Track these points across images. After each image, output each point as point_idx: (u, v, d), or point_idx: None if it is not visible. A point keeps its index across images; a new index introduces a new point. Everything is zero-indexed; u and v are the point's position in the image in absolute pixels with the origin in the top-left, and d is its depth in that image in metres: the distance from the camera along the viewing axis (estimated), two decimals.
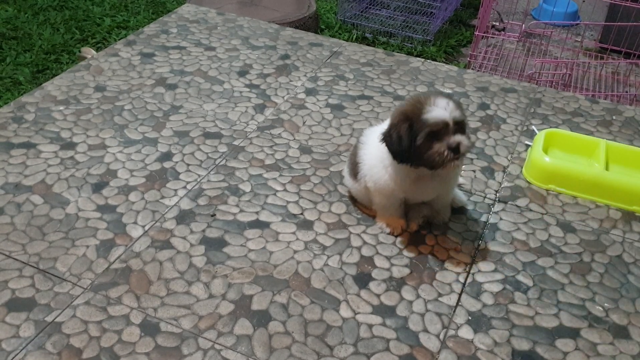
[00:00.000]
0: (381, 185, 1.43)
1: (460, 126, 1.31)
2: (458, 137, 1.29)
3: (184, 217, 1.50)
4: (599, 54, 3.54)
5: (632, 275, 1.45)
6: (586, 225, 1.59)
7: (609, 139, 1.87)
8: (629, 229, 1.59)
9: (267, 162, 1.71)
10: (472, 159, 1.79)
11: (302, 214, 1.54)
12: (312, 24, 3.41)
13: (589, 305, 1.36)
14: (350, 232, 1.50)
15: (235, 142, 1.77)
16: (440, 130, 1.29)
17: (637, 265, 1.48)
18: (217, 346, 1.20)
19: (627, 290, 1.40)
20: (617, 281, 1.43)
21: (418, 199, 1.50)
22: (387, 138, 1.33)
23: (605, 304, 1.36)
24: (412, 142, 1.29)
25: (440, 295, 1.36)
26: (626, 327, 1.31)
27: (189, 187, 1.60)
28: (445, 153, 1.29)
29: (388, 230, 1.51)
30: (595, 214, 1.63)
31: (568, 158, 1.78)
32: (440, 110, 1.28)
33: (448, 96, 1.33)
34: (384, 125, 1.42)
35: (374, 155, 1.43)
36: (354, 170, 1.50)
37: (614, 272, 1.45)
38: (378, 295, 1.35)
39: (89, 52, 3.15)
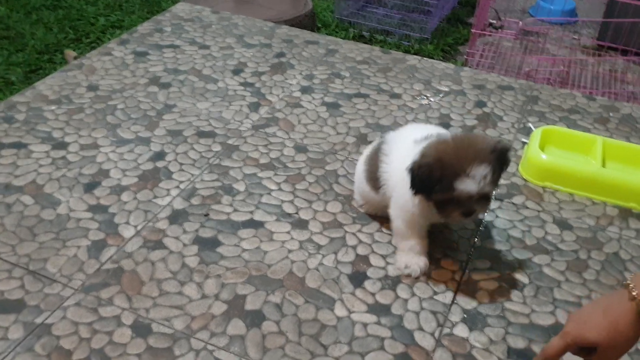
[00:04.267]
0: (405, 211, 1.34)
1: (485, 196, 1.23)
2: (475, 207, 1.23)
3: (176, 217, 1.49)
4: (597, 52, 3.53)
5: (628, 272, 1.43)
6: (583, 223, 1.57)
7: (606, 136, 1.86)
8: (625, 225, 1.57)
9: (262, 161, 1.69)
10: None
11: (297, 213, 1.53)
12: (308, 22, 3.39)
13: (586, 303, 1.35)
14: (346, 231, 1.49)
15: (230, 141, 1.76)
16: (463, 200, 1.22)
17: (633, 262, 1.46)
18: (209, 347, 1.19)
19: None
20: (613, 278, 1.41)
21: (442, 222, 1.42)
22: (414, 170, 1.23)
23: None
24: (432, 188, 1.22)
25: (435, 293, 1.34)
26: None
27: (182, 186, 1.58)
28: (455, 215, 1.25)
29: (407, 272, 1.38)
30: (592, 211, 1.62)
31: (565, 155, 1.77)
32: (472, 184, 1.18)
33: (495, 155, 1.22)
34: (410, 134, 1.34)
35: (400, 176, 1.29)
36: (375, 184, 1.40)
37: (611, 269, 1.44)
38: (373, 294, 1.33)
39: (70, 55, 3.13)
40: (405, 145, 1.32)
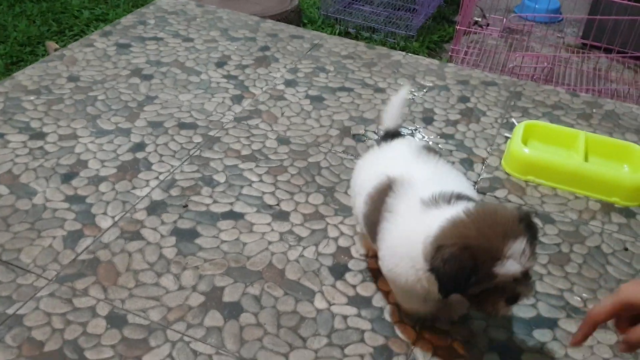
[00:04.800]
0: (401, 283, 1.12)
1: (526, 274, 1.04)
2: (521, 289, 1.03)
3: (155, 208, 1.46)
4: (580, 50, 3.55)
5: (610, 266, 1.43)
6: (565, 217, 1.57)
7: (589, 132, 1.86)
8: (608, 220, 1.57)
9: (244, 152, 1.67)
10: (451, 151, 1.77)
11: (278, 204, 1.51)
12: (294, 18, 3.38)
13: (567, 296, 1.34)
14: (328, 223, 1.47)
15: (211, 133, 1.73)
16: (505, 285, 1.02)
17: (615, 256, 1.46)
18: (186, 338, 1.17)
19: (606, 281, 1.39)
20: (595, 272, 1.41)
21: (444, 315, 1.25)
22: (440, 269, 1.00)
23: (584, 294, 1.35)
24: (468, 283, 1.00)
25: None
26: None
27: (161, 177, 1.56)
28: (500, 306, 1.04)
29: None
30: (574, 205, 1.62)
31: (547, 150, 1.77)
32: (514, 264, 0.99)
33: (525, 225, 1.02)
34: (418, 183, 1.12)
35: (403, 241, 1.09)
36: (372, 234, 1.18)
37: (593, 262, 1.44)
38: (354, 286, 1.32)
39: (52, 46, 3.09)
40: (413, 207, 1.09)
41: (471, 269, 0.98)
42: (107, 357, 1.12)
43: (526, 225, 1.02)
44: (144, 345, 1.15)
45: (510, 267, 0.98)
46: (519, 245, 0.98)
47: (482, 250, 0.98)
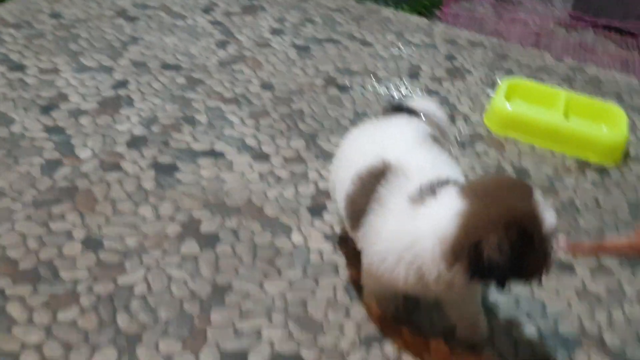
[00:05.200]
0: (384, 280, 1.01)
1: None
2: (559, 241, 0.96)
3: (135, 143, 1.46)
4: (569, 23, 3.55)
5: (582, 218, 1.46)
6: (541, 172, 1.59)
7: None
8: (582, 176, 1.60)
9: (227, 95, 1.67)
10: None
11: (259, 146, 1.51)
12: None
13: None
14: (308, 167, 1.48)
15: (194, 75, 1.72)
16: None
17: (587, 210, 1.49)
18: (161, 264, 1.18)
19: (575, 231, 1.42)
20: (567, 224, 1.44)
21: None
22: (493, 258, 0.88)
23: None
24: (524, 261, 0.91)
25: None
26: (571, 265, 1.32)
27: (142, 114, 1.55)
28: (542, 272, 0.95)
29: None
30: (551, 162, 1.64)
31: (529, 107, 1.78)
32: (551, 212, 0.92)
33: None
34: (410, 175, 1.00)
35: (392, 236, 0.97)
36: (354, 224, 1.05)
37: (566, 215, 1.46)
38: (331, 225, 1.33)
39: None
40: (402, 202, 0.97)
41: (528, 240, 0.89)
42: (82, 278, 1.12)
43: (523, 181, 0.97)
44: (119, 269, 1.15)
45: (551, 219, 0.91)
46: (540, 197, 0.92)
47: (527, 218, 0.89)
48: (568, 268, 1.31)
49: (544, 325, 1.18)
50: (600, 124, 1.75)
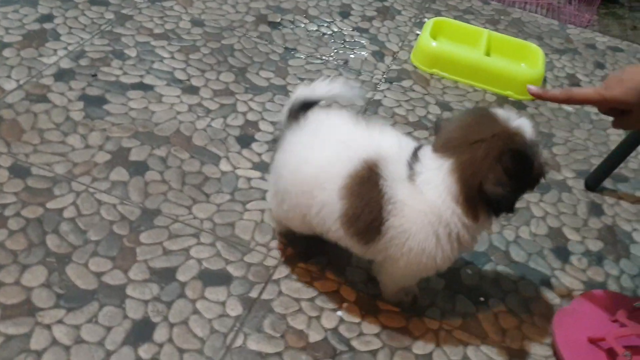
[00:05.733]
0: (428, 268, 1.00)
1: None
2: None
3: (62, 75, 1.46)
4: None
5: None
6: (462, 106, 1.68)
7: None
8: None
9: (156, 31, 1.67)
10: (364, 44, 1.83)
11: (188, 80, 1.54)
12: None
13: None
14: (237, 99, 1.52)
15: (123, 11, 1.71)
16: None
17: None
18: (90, 189, 1.21)
19: None
20: None
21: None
22: (501, 192, 0.91)
23: None
24: (526, 178, 0.95)
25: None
26: None
27: (70, 48, 1.54)
28: (543, 176, 0.99)
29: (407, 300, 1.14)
30: (472, 97, 1.73)
31: (453, 45, 1.86)
32: (522, 118, 0.95)
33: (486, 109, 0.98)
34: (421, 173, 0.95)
35: (420, 222, 0.94)
36: (362, 230, 0.97)
37: None
38: (259, 154, 1.38)
39: None
40: (408, 187, 0.95)
41: (521, 158, 0.91)
42: (10, 202, 1.15)
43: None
44: (48, 194, 1.18)
45: (528, 127, 0.93)
46: (502, 111, 0.94)
47: (512, 141, 0.91)
48: None
49: None
50: (519, 61, 1.85)
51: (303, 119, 1.03)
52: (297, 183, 1.00)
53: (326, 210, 0.98)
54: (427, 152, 0.96)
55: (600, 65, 1.97)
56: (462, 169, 0.92)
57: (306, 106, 1.04)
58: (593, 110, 1.76)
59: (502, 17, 2.14)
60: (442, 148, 0.94)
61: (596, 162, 1.53)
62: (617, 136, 1.67)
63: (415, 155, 0.96)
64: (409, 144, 1.00)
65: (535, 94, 1.04)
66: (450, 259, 0.99)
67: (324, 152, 0.98)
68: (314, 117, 1.03)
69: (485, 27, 2.04)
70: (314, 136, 1.01)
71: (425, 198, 0.93)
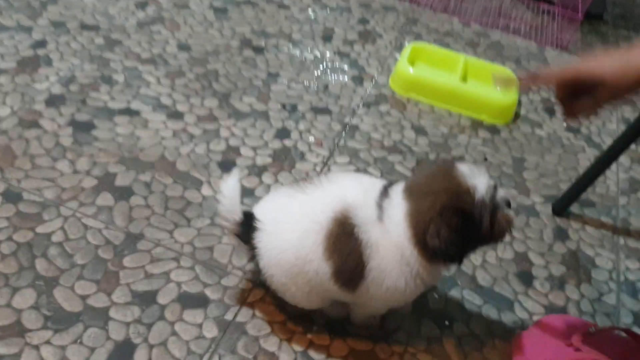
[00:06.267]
0: (402, 300, 1.10)
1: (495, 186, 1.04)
2: (501, 193, 1.03)
3: (54, 101, 1.53)
4: None
5: None
6: (437, 130, 1.76)
7: (473, 58, 2.04)
8: (475, 134, 1.77)
9: (144, 56, 1.74)
10: (345, 68, 1.90)
11: (174, 105, 1.61)
12: None
13: None
14: (220, 125, 1.59)
15: (112, 36, 1.79)
16: (496, 199, 1.01)
17: (475, 164, 1.66)
18: (78, 214, 1.28)
19: None
20: None
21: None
22: (439, 245, 0.97)
23: None
24: (471, 233, 0.99)
25: (297, 181, 1.48)
26: None
27: (61, 74, 1.61)
28: (508, 218, 1.04)
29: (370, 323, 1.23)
30: (447, 121, 1.80)
31: (430, 70, 1.93)
32: (482, 177, 1.00)
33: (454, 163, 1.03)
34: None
35: (392, 261, 1.01)
36: (351, 283, 1.04)
37: None
38: (240, 179, 1.45)
39: None
40: (377, 227, 1.01)
41: (465, 219, 0.97)
42: (2, 227, 1.22)
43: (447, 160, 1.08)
44: (38, 219, 1.25)
45: (482, 182, 0.98)
46: (464, 166, 1.00)
47: (456, 199, 0.97)
48: None
49: None
50: (495, 86, 1.93)
51: (254, 224, 1.07)
52: (288, 272, 1.06)
53: (321, 277, 1.04)
54: (397, 191, 1.03)
55: None
56: (412, 216, 0.99)
57: (247, 219, 1.09)
58: (565, 134, 1.84)
59: (481, 40, 2.21)
60: (407, 191, 1.02)
61: (565, 187, 1.61)
62: (586, 160, 1.75)
63: (385, 193, 1.03)
64: (374, 184, 1.06)
65: (526, 82, 1.08)
66: (415, 293, 1.07)
67: (293, 234, 1.03)
68: (262, 212, 1.08)
69: (464, 50, 2.12)
70: (277, 226, 1.06)
71: (391, 237, 1.00)
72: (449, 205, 0.96)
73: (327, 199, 1.04)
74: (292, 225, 1.04)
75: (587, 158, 1.77)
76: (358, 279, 1.03)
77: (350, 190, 1.04)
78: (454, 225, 0.96)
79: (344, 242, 1.01)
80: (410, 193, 1.01)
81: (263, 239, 1.06)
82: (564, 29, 2.39)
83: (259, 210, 1.09)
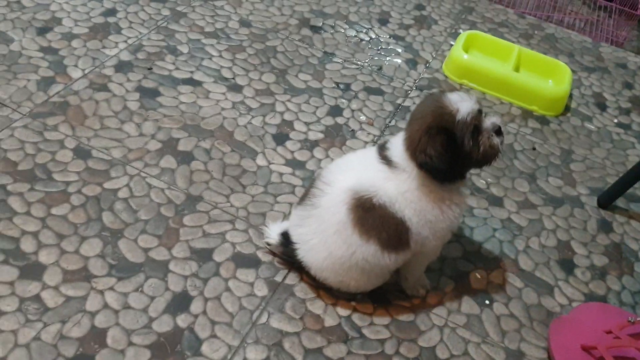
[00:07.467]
0: (447, 230, 1.16)
1: (480, 110, 1.12)
2: (492, 119, 1.12)
3: (122, 67, 1.61)
4: None
5: (517, 160, 1.66)
6: None
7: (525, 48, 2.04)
8: (524, 124, 1.79)
9: (207, 29, 1.81)
10: (399, 51, 1.93)
11: (233, 78, 1.67)
12: None
13: (475, 179, 1.57)
14: (276, 99, 1.65)
15: (179, 8, 1.86)
16: (480, 122, 1.10)
17: (524, 153, 1.68)
18: (142, 174, 1.36)
19: (510, 171, 1.62)
20: (503, 164, 1.64)
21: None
22: (427, 160, 1.06)
23: (488, 179, 1.58)
24: (457, 151, 1.07)
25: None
26: (501, 199, 1.53)
27: (129, 42, 1.69)
28: (496, 141, 1.12)
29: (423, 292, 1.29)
30: (498, 109, 1.82)
31: (484, 58, 1.95)
32: (467, 102, 1.08)
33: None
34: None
35: (419, 194, 1.10)
36: (399, 237, 1.11)
37: (503, 156, 1.65)
38: (292, 152, 1.51)
39: None
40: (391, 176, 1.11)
41: (447, 137, 1.06)
42: (72, 180, 1.30)
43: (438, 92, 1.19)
44: (105, 175, 1.33)
45: (466, 106, 1.07)
46: (454, 94, 1.09)
47: (440, 119, 1.06)
48: (498, 201, 1.52)
49: (470, 248, 1.39)
50: (547, 78, 1.93)
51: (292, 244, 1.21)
52: (339, 271, 1.16)
53: (372, 259, 1.13)
54: (397, 136, 1.14)
55: (628, 85, 2.04)
56: (407, 139, 1.10)
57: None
58: (615, 130, 1.84)
59: (535, 32, 2.21)
60: (404, 128, 1.14)
61: (612, 181, 1.62)
62: (635, 157, 1.75)
63: (384, 148, 1.14)
64: (366, 152, 1.18)
65: None
66: (455, 217, 1.14)
67: (325, 241, 1.15)
68: (294, 230, 1.21)
69: (518, 41, 2.13)
70: (308, 243, 1.17)
71: (405, 174, 1.10)
72: (434, 125, 1.06)
73: (334, 199, 1.12)
74: (319, 235, 1.15)
75: (636, 154, 1.77)
76: (406, 234, 1.11)
77: (348, 175, 1.13)
78: (439, 142, 1.05)
79: (371, 218, 1.10)
80: (406, 125, 1.13)
81: (303, 254, 1.18)
82: (620, 25, 2.36)
83: (292, 231, 1.21)
